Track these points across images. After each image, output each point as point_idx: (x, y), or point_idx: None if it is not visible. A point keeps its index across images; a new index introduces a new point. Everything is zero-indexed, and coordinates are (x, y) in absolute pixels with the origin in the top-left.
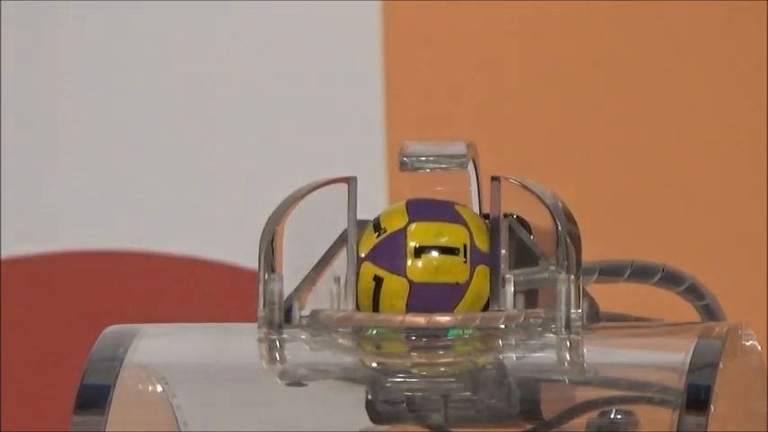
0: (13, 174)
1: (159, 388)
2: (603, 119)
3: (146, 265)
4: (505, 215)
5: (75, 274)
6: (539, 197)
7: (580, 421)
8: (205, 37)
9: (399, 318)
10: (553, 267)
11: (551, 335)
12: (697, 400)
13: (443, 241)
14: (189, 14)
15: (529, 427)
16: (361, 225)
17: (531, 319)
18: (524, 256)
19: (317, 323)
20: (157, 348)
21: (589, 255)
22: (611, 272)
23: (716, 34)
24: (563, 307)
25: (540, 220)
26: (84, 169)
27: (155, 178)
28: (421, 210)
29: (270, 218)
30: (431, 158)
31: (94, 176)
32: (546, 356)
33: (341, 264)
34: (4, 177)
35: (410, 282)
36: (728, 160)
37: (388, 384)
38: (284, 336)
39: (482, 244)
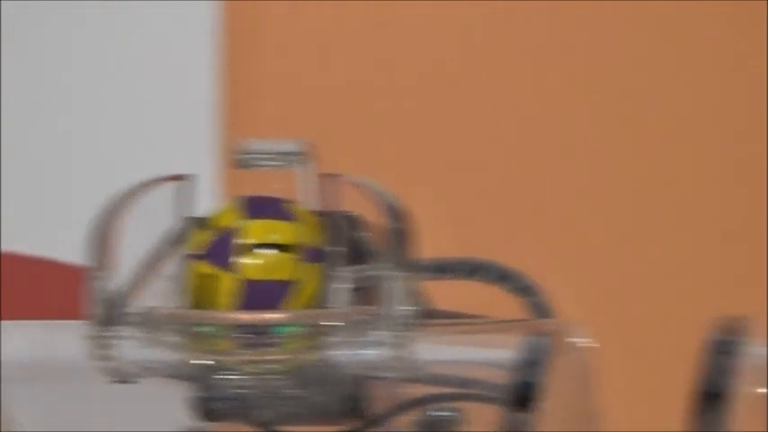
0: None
1: None
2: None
3: None
4: (341, 213)
5: None
6: (372, 194)
7: (408, 418)
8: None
9: (229, 315)
10: (385, 265)
11: (382, 332)
12: (523, 397)
13: (276, 239)
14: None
15: (357, 423)
16: (195, 223)
17: (363, 316)
18: (361, 254)
19: (149, 320)
20: None
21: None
22: (445, 269)
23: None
24: (394, 304)
25: (382, 219)
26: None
27: None
28: (254, 208)
29: (97, 215)
30: (265, 156)
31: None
32: (376, 353)
33: (174, 261)
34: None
35: (242, 279)
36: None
37: (218, 382)
38: (114, 333)
39: (316, 241)
